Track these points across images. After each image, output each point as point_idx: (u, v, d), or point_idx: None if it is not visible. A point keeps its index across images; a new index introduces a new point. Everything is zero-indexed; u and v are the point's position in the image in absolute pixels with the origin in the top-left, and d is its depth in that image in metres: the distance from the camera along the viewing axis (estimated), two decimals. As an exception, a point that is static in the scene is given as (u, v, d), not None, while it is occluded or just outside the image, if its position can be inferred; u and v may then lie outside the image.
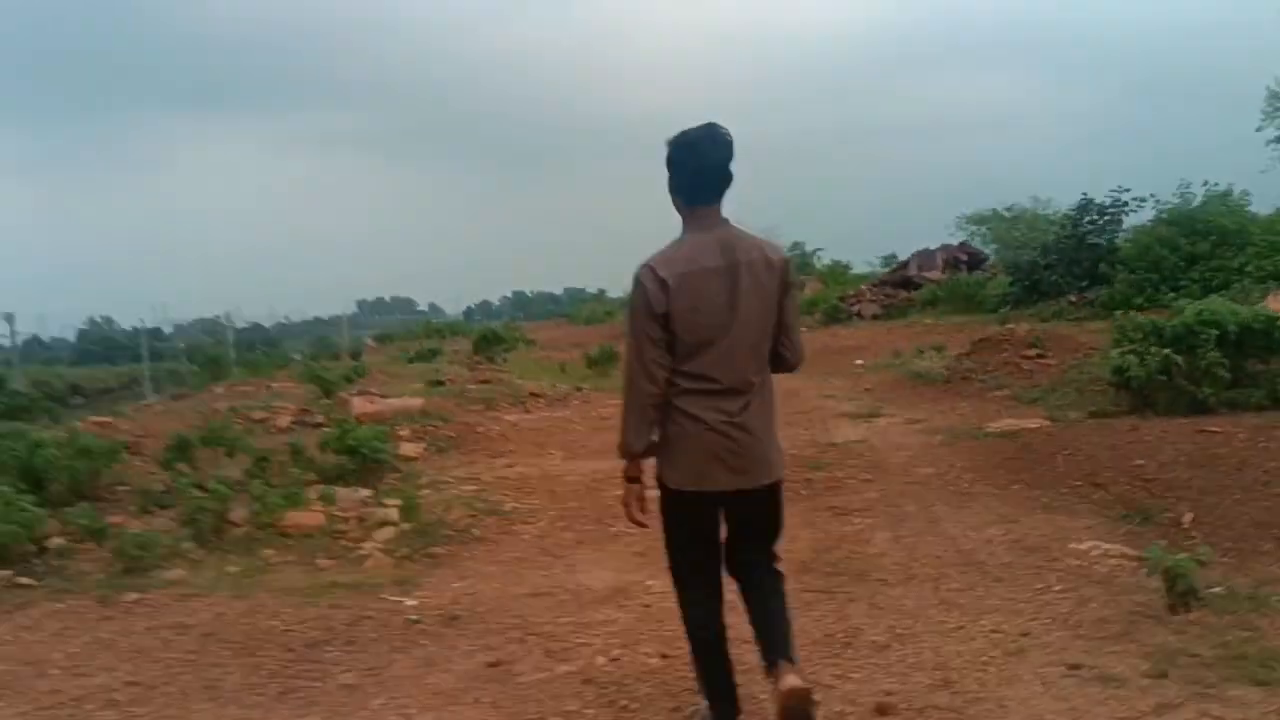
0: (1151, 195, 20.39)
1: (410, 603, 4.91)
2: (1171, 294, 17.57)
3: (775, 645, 3.13)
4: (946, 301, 25.38)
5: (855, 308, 27.02)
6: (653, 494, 3.19)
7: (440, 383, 14.67)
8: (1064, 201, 38.47)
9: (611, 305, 64.69)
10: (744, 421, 3.06)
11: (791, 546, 4.99)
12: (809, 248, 49.44)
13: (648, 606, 4.70)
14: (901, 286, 27.99)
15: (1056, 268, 20.93)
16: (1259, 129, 30.53)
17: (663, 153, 3.11)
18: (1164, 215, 19.63)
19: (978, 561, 5.12)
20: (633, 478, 3.18)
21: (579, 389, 15.68)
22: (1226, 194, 19.44)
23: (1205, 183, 19.67)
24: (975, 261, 29.33)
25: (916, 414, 10.04)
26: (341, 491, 6.96)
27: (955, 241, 45.60)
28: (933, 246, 34.87)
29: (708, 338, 3.00)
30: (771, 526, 3.30)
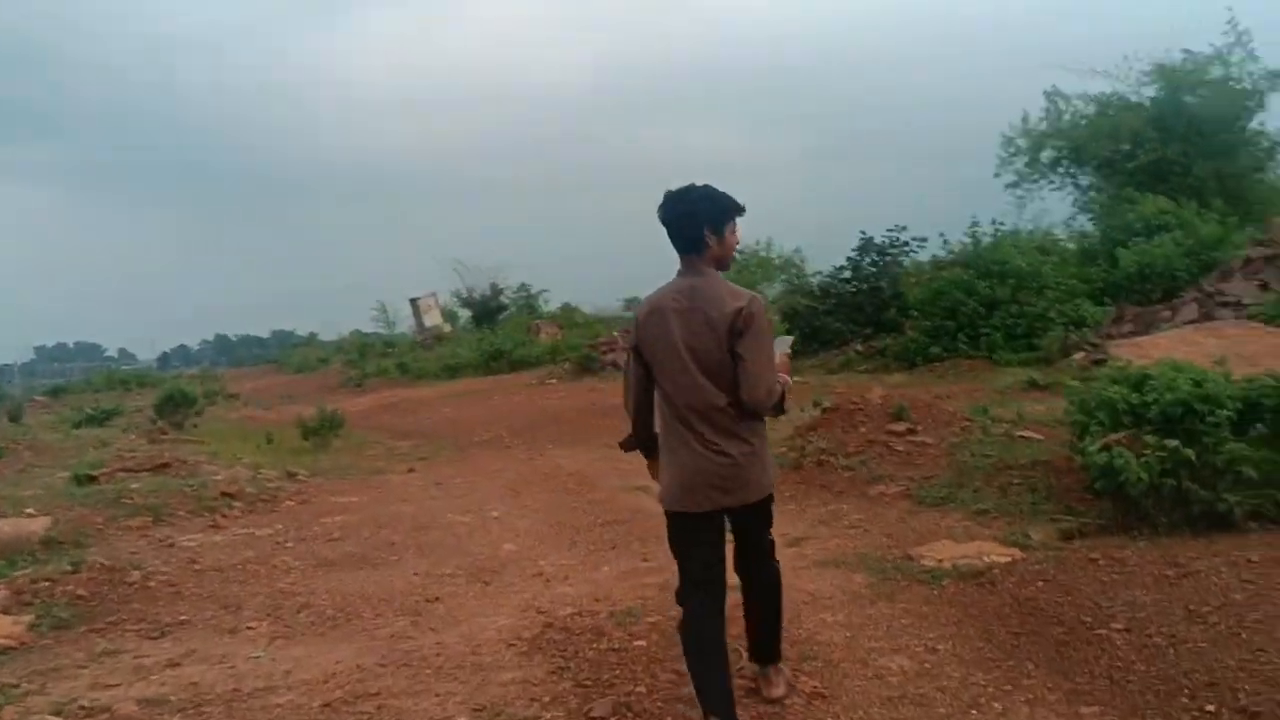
0: (941, 235, 18.89)
1: None
2: (968, 343, 15.91)
3: (764, 645, 4.03)
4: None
5: (609, 356, 24.31)
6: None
7: (91, 478, 10.49)
8: (786, 243, 37.72)
9: (325, 351, 59.39)
10: (720, 451, 3.56)
11: None
12: (535, 289, 47.15)
13: None
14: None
15: (838, 314, 19.02)
16: (996, 174, 30.67)
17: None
18: (953, 256, 18.12)
19: None
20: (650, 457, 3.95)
21: (293, 475, 11.87)
22: (1016, 232, 18.16)
23: (993, 221, 18.35)
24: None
25: (790, 526, 7.16)
26: None
27: None
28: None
29: (670, 369, 3.59)
30: (765, 539, 3.96)
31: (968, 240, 17.82)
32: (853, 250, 19.49)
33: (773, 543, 4.04)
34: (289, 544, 7.80)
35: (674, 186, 3.72)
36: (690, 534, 3.71)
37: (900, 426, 8.91)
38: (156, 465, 12.91)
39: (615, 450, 11.80)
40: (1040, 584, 5.13)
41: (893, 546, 6.30)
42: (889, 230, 19.43)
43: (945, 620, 4.90)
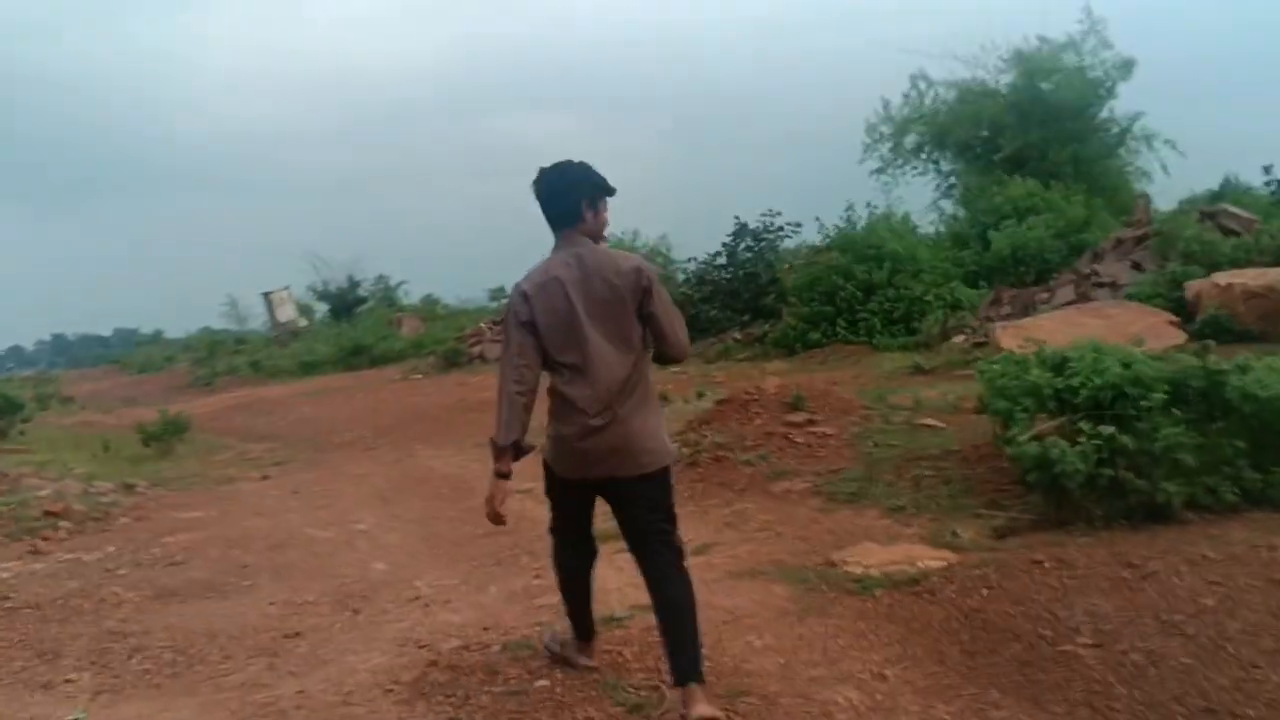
0: (817, 219, 18.56)
1: None
2: (847, 328, 15.64)
3: (684, 661, 3.60)
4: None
5: (477, 349, 23.38)
6: (514, 488, 3.74)
7: (-113, 499, 9.17)
8: (649, 231, 37.50)
9: (171, 349, 56.37)
10: (617, 416, 3.54)
11: None
12: (394, 281, 45.70)
13: None
14: (526, 324, 24.70)
15: (714, 302, 18.55)
16: (861, 161, 30.82)
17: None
18: (828, 241, 17.83)
19: None
20: (503, 474, 3.69)
21: (130, 487, 10.70)
22: (889, 216, 17.98)
23: (868, 204, 18.13)
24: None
25: (692, 531, 6.52)
26: None
27: None
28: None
29: (568, 340, 3.55)
30: (661, 510, 3.73)
31: (843, 224, 17.52)
32: (727, 236, 19.05)
33: (681, 551, 3.83)
34: (122, 571, 6.79)
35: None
36: (575, 500, 3.88)
37: (799, 417, 8.40)
38: (-29, 482, 11.56)
39: (480, 450, 10.92)
40: (985, 592, 4.62)
41: (811, 552, 5.73)
42: (763, 215, 19.06)
43: (887, 639, 4.33)
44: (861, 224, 17.43)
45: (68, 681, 4.74)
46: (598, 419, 3.54)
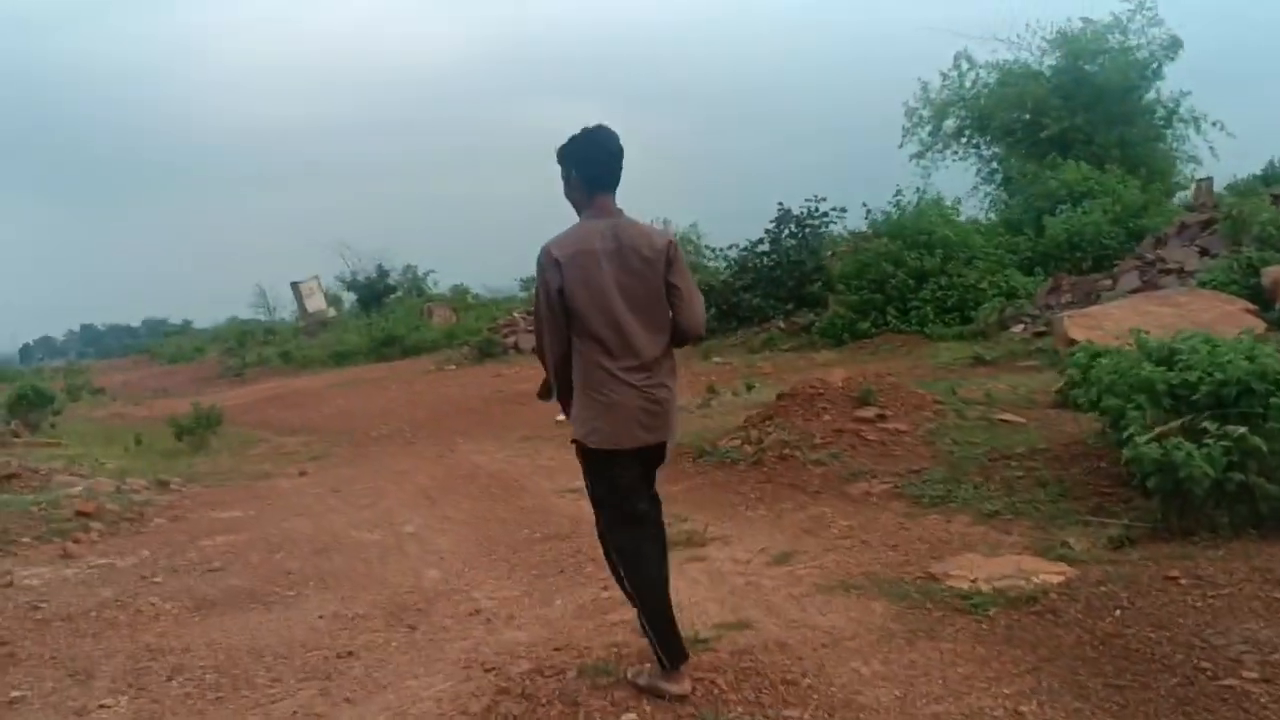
0: (864, 205, 18.00)
1: None
2: (898, 317, 15.09)
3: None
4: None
5: (511, 339, 22.98)
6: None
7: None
8: (680, 221, 37.10)
9: (201, 339, 56.29)
10: (649, 387, 3.63)
11: None
12: (422, 270, 45.38)
13: None
14: (560, 313, 24.27)
15: (756, 289, 18.04)
16: (900, 145, 30.18)
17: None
18: (874, 227, 17.27)
19: None
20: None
21: (164, 484, 10.35)
22: (938, 201, 17.39)
23: (917, 189, 17.55)
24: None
25: (767, 537, 6.07)
26: None
27: None
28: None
29: (604, 314, 3.53)
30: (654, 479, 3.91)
31: (892, 209, 16.95)
32: (770, 222, 18.52)
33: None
34: (158, 578, 6.39)
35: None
36: (620, 470, 3.75)
37: (868, 412, 7.91)
38: (1, 477, 11.28)
39: (537, 444, 10.63)
40: (1117, 613, 4.13)
41: (905, 562, 5.26)
42: (807, 200, 18.52)
43: (1015, 667, 3.85)
44: (910, 210, 16.83)
45: (103, 707, 4.33)
46: (647, 388, 3.63)
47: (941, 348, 14.16)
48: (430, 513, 8.00)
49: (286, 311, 54.46)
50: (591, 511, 4.01)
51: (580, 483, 7.06)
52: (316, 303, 45.80)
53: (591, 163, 3.65)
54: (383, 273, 45.46)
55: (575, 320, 3.58)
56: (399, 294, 43.55)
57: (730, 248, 19.38)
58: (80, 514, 8.23)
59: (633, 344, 3.58)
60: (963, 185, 29.08)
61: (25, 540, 7.64)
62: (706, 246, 23.98)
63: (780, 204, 18.60)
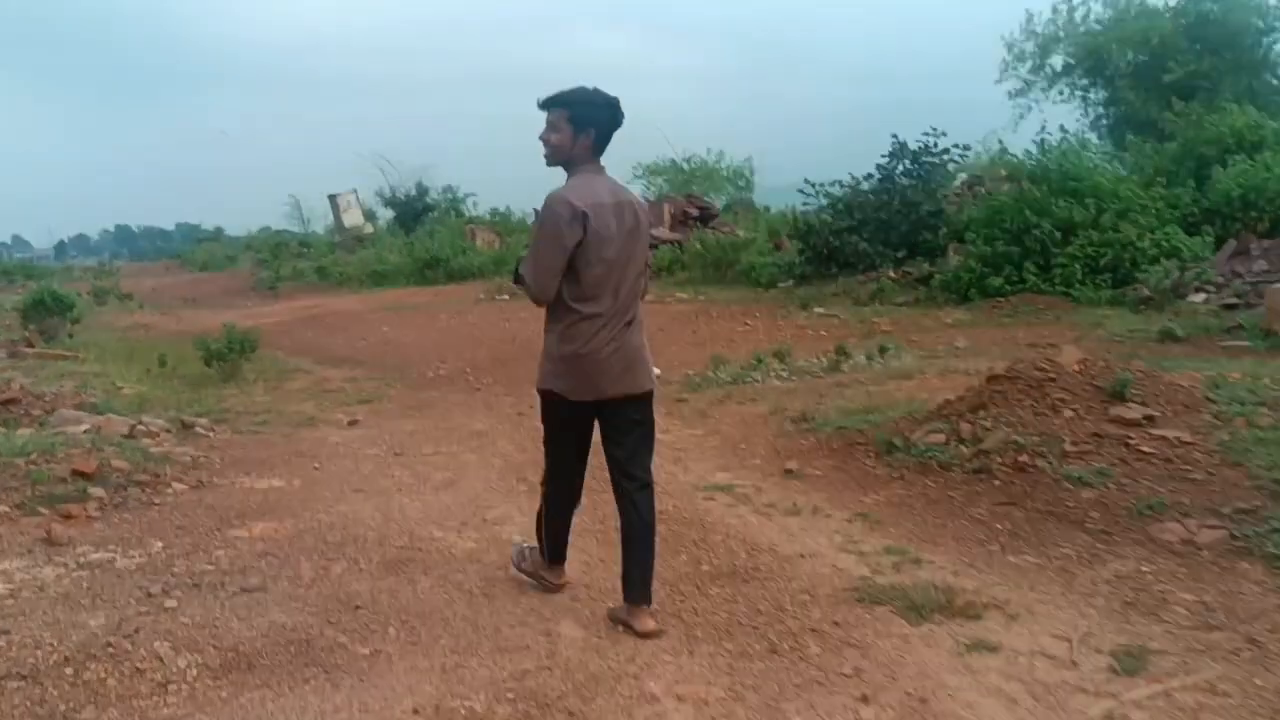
0: (1000, 142, 15.80)
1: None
2: (1038, 273, 12.94)
3: (637, 581, 3.94)
4: (692, 269, 19.93)
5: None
6: None
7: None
8: (736, 154, 34.59)
9: (233, 248, 54.38)
10: (627, 340, 3.83)
11: None
12: (461, 192, 43.39)
13: None
14: (624, 245, 22.20)
15: (862, 231, 15.88)
16: (998, 81, 27.86)
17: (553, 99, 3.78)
18: (1014, 167, 15.04)
19: None
20: None
21: (187, 427, 8.49)
22: (1084, 144, 15.12)
23: (1062, 129, 15.26)
24: (706, 215, 24.12)
25: (1071, 610, 4.05)
26: None
27: (638, 194, 42.24)
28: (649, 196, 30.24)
29: (602, 263, 3.70)
30: (648, 439, 4.06)
31: (1035, 151, 14.70)
32: (883, 156, 16.29)
33: (651, 479, 4.09)
34: (170, 601, 4.43)
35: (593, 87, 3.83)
36: (576, 430, 4.01)
37: (1131, 411, 5.85)
38: (3, 400, 9.50)
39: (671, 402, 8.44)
40: None
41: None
42: (924, 134, 16.26)
43: None
44: (1053, 152, 14.56)
45: None
46: (615, 339, 3.76)
47: (1098, 314, 12.06)
48: (533, 506, 6.04)
49: (319, 225, 52.82)
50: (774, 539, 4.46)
51: (733, 479, 6.24)
52: (354, 217, 43.97)
53: (607, 129, 3.82)
54: (422, 190, 43.57)
55: (572, 270, 3.70)
56: (436, 214, 41.62)
57: (832, 184, 17.14)
58: (77, 474, 6.33)
59: (618, 294, 3.75)
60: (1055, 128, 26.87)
61: (1, 509, 5.77)
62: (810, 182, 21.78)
63: (894, 136, 16.39)
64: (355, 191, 44.73)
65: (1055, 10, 26.69)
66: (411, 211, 42.23)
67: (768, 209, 31.74)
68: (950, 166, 16.35)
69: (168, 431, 8.50)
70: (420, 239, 31.58)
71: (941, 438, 6.14)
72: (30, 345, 15.68)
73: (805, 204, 17.26)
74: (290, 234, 53.67)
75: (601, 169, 3.85)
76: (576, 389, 3.79)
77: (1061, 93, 27.08)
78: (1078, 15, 26.82)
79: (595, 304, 3.72)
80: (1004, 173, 15.79)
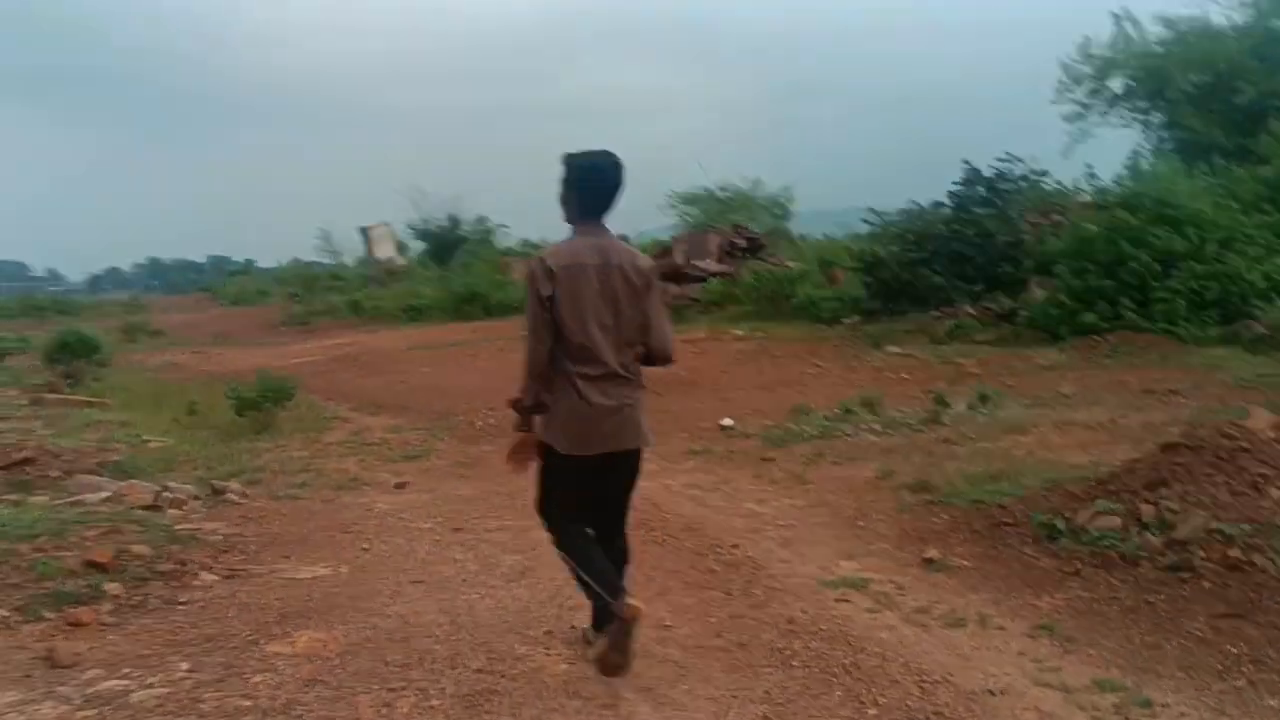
0: (1088, 167, 14.75)
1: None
2: (1136, 309, 11.87)
3: (620, 585, 3.91)
4: (746, 303, 18.95)
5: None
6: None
7: None
8: (774, 181, 33.84)
9: (264, 281, 53.96)
10: (619, 399, 3.86)
11: None
12: (492, 223, 42.83)
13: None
14: (672, 280, 21.25)
15: (935, 263, 14.85)
16: (1053, 102, 26.93)
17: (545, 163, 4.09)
18: (1114, 193, 14.00)
19: None
20: (525, 429, 3.97)
21: (218, 493, 7.61)
22: (1176, 170, 14.06)
23: (1136, 152, 14.20)
24: (755, 246, 23.14)
25: None
26: None
27: (671, 224, 41.61)
28: (660, 228, 29.43)
29: (584, 323, 3.77)
30: (633, 487, 4.16)
31: (1127, 175, 13.66)
32: (955, 182, 15.28)
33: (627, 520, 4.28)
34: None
35: (587, 148, 3.95)
36: (576, 476, 3.97)
37: (1358, 493, 4.81)
38: (12, 463, 8.65)
39: (717, 465, 7.63)
40: None
41: None
42: (999, 159, 15.26)
43: None
44: (1147, 176, 13.49)
45: None
46: (608, 398, 3.83)
47: (1210, 355, 10.99)
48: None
49: (350, 257, 52.39)
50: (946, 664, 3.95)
51: (863, 572, 5.42)
52: (386, 249, 43.47)
53: (592, 192, 3.90)
54: (455, 221, 42.96)
55: (560, 328, 3.80)
56: (469, 245, 41.03)
57: (899, 212, 16.12)
58: (91, 565, 5.41)
59: (602, 355, 3.81)
60: (1114, 156, 25.99)
61: (1, 613, 4.85)
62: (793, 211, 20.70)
63: (966, 162, 15.36)
64: (388, 224, 44.23)
65: (1114, 33, 25.70)
66: (444, 243, 41.62)
67: (803, 238, 31.00)
68: (1029, 194, 15.30)
69: (196, 498, 7.60)
70: (456, 272, 30.79)
71: (1117, 521, 5.11)
72: (54, 391, 14.92)
73: (860, 232, 16.24)
74: (321, 266, 53.25)
75: (598, 229, 3.91)
76: (569, 444, 3.89)
77: (1121, 117, 26.04)
78: (1136, 36, 25.83)
79: (585, 365, 3.81)
80: (1086, 199, 14.71)
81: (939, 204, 15.51)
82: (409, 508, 7.41)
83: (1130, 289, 12.23)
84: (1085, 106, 26.23)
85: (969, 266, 14.42)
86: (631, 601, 3.82)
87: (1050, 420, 8.62)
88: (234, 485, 8.05)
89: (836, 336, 14.91)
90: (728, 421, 9.77)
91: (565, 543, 4.05)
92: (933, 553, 5.45)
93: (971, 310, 13.86)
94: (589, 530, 4.08)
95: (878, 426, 8.98)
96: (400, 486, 8.27)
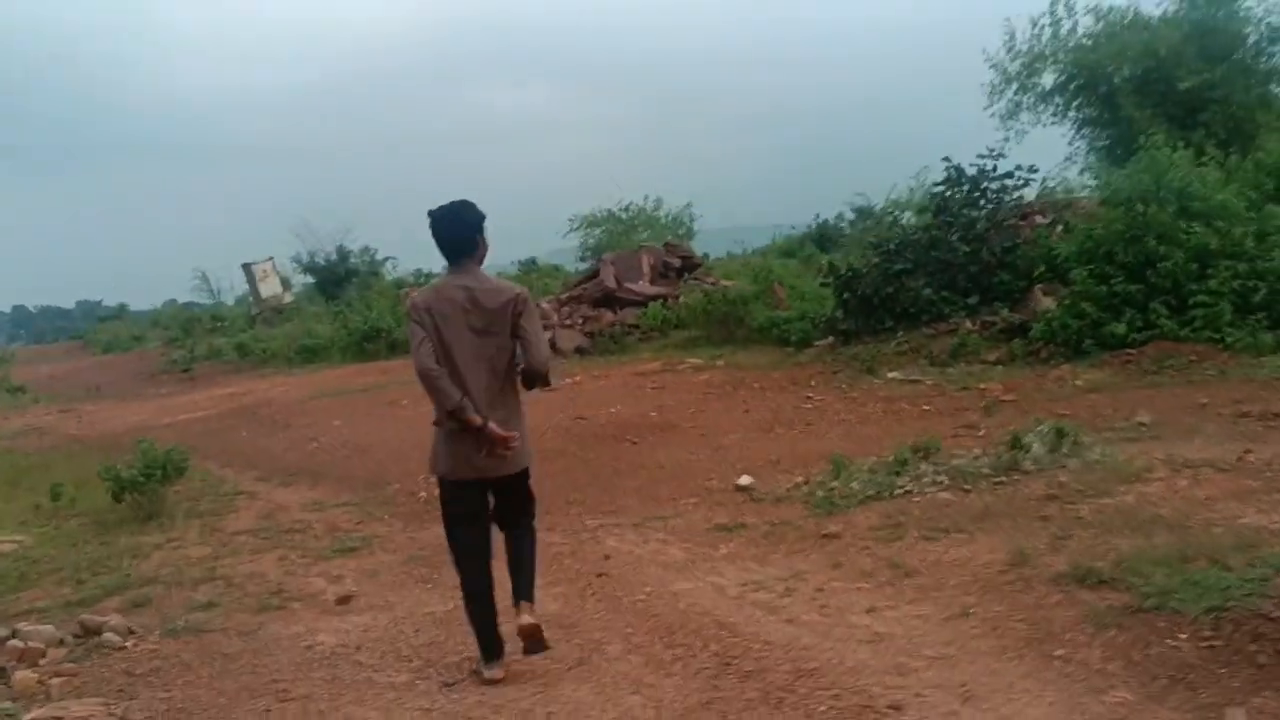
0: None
1: None
2: (1171, 315, 10.36)
3: (521, 587, 4.39)
4: (692, 327, 17.09)
5: (549, 337, 17.97)
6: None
7: None
8: (672, 201, 32.51)
9: (139, 325, 50.10)
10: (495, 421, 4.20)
11: None
12: (380, 255, 40.46)
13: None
14: (603, 304, 19.27)
15: (918, 274, 13.16)
16: (986, 107, 25.93)
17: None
18: (1105, 190, 12.51)
19: None
20: (478, 425, 4.17)
21: (92, 634, 5.37)
22: (1182, 156, 12.63)
23: (1174, 146, 12.72)
24: (690, 265, 21.29)
25: None
26: None
27: (578, 248, 40.04)
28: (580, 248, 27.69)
29: (449, 355, 4.17)
30: (525, 502, 4.57)
31: (1131, 168, 12.19)
32: (937, 184, 13.66)
33: (533, 525, 4.65)
34: None
35: (433, 206, 4.39)
36: (463, 501, 4.40)
37: None
38: None
39: (742, 541, 6.55)
40: None
41: None
42: (980, 157, 13.70)
43: None
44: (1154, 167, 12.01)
45: None
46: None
47: (1274, 364, 9.51)
48: None
49: (230, 296, 49.23)
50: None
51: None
52: (271, 286, 40.69)
53: (440, 241, 4.37)
54: (343, 254, 40.37)
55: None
56: (358, 278, 38.55)
57: (871, 220, 14.46)
58: None
59: (470, 387, 4.16)
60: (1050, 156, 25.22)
61: None
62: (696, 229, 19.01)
63: (946, 159, 13.75)
64: (272, 259, 41.40)
65: (1039, 26, 24.72)
66: (333, 277, 39.01)
67: (707, 255, 29.91)
68: (1021, 194, 13.80)
69: (59, 645, 5.36)
70: (356, 307, 28.30)
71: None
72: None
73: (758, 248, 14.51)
74: (200, 307, 49.90)
75: (463, 269, 4.33)
76: (454, 469, 4.31)
77: (1053, 114, 25.13)
78: (1063, 29, 24.91)
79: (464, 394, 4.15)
80: (1084, 200, 13.28)
81: (922, 209, 13.90)
82: (365, 643, 5.27)
83: (1163, 293, 10.71)
84: (1017, 105, 25.25)
85: (960, 276, 12.78)
86: (528, 617, 4.29)
87: (1161, 461, 6.91)
88: (113, 618, 5.79)
89: (813, 362, 13.11)
90: (746, 480, 7.83)
91: (464, 581, 4.42)
92: (1210, 696, 3.57)
93: (971, 325, 12.20)
94: (487, 568, 4.44)
95: (944, 479, 7.14)
96: (343, 601, 6.13)
